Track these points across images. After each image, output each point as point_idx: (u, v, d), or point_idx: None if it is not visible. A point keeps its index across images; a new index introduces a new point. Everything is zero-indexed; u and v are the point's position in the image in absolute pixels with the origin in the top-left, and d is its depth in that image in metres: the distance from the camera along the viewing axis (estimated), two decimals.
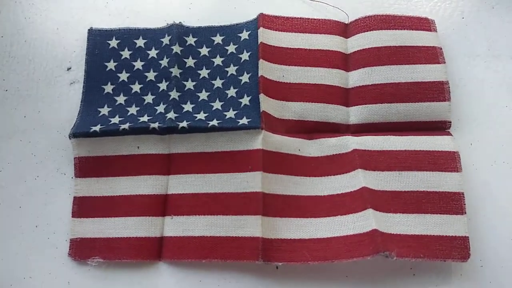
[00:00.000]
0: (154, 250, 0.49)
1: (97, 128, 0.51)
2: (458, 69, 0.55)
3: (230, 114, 0.52)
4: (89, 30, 0.57)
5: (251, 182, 0.48)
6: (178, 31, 0.56)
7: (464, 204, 0.47)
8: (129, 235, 0.49)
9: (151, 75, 0.55)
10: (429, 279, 0.47)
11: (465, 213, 0.47)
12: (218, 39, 0.56)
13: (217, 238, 0.48)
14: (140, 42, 0.57)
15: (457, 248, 0.45)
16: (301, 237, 0.47)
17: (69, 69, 0.57)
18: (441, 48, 0.53)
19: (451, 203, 0.47)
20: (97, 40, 0.57)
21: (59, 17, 0.59)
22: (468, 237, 0.46)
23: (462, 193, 0.47)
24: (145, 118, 0.52)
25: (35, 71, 0.57)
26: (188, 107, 0.53)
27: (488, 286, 0.47)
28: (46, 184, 0.52)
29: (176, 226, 0.49)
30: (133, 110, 0.54)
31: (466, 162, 0.50)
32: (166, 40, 0.56)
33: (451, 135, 0.51)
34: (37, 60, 0.57)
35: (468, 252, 0.45)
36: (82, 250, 0.49)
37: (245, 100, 0.52)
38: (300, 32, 0.55)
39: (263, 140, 0.49)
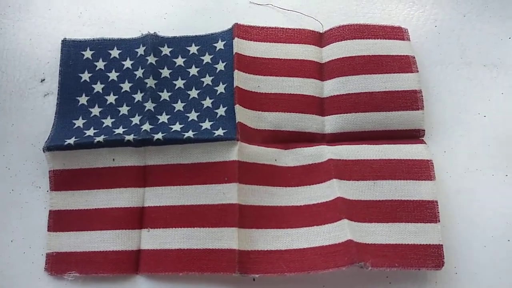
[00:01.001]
0: (131, 264, 0.49)
1: (71, 141, 0.50)
2: (431, 77, 0.55)
3: (206, 125, 0.52)
4: (62, 40, 0.57)
5: (227, 193, 0.48)
6: (153, 41, 0.56)
7: (438, 212, 0.47)
8: (105, 249, 0.49)
9: (126, 86, 0.55)
10: (404, 287, 0.47)
11: (439, 221, 0.47)
12: (193, 49, 0.56)
13: (194, 251, 0.48)
14: (115, 53, 0.56)
15: (431, 257, 0.46)
16: (278, 248, 0.47)
17: (42, 80, 0.56)
18: (414, 57, 0.53)
19: (425, 211, 0.47)
20: (71, 51, 0.56)
21: (32, 27, 0.58)
22: (442, 245, 0.46)
23: (436, 201, 0.48)
24: (120, 130, 0.52)
25: (8, 83, 0.56)
26: (163, 118, 0.53)
27: None
28: (21, 197, 0.52)
29: (153, 239, 0.49)
30: (108, 121, 0.53)
31: (440, 170, 0.51)
32: (141, 50, 0.56)
33: (424, 143, 0.51)
34: (9, 72, 0.56)
35: (442, 260, 0.46)
36: (59, 264, 0.49)
37: (221, 111, 0.52)
38: (275, 42, 0.55)
39: (239, 151, 0.49)
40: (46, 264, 0.49)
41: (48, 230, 0.50)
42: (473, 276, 0.48)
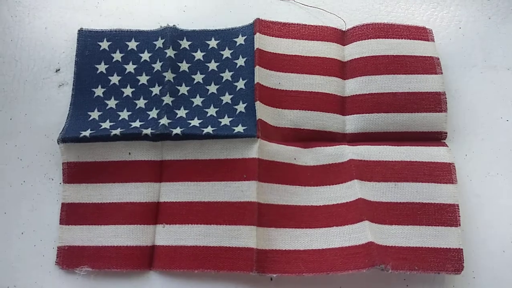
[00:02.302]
0: (145, 259, 0.48)
1: (87, 133, 0.49)
2: (455, 80, 0.55)
3: (225, 121, 0.51)
4: (79, 30, 0.56)
5: (246, 191, 0.47)
6: (172, 34, 0.55)
7: (459, 216, 0.47)
8: (119, 244, 0.48)
9: (143, 79, 0.54)
10: None
11: (460, 225, 0.47)
12: (213, 43, 0.55)
13: (210, 248, 0.47)
14: (132, 45, 0.55)
15: (451, 260, 0.45)
16: (296, 248, 0.47)
17: (57, 70, 0.55)
18: (438, 58, 0.53)
19: (446, 215, 0.47)
20: (88, 41, 0.55)
21: (48, 16, 0.58)
22: (462, 249, 0.46)
23: (457, 205, 0.47)
24: (137, 124, 0.51)
25: (22, 72, 0.55)
26: (181, 112, 0.52)
27: None
28: (33, 189, 0.51)
29: (168, 235, 0.48)
30: (124, 114, 0.53)
31: (461, 173, 0.50)
32: (159, 43, 0.55)
33: (446, 146, 0.51)
34: (24, 61, 0.56)
35: (461, 265, 0.45)
36: (70, 258, 0.48)
37: (241, 107, 0.52)
38: (297, 39, 0.54)
39: (259, 149, 0.48)
40: (57, 257, 0.48)
41: (60, 223, 0.49)
42: (491, 281, 0.48)
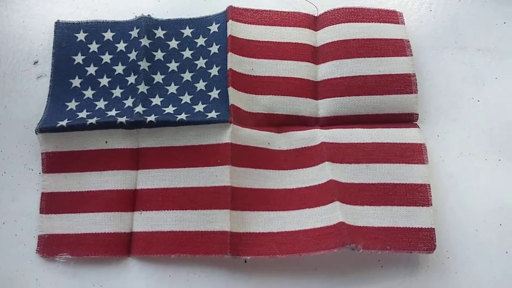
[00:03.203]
0: (123, 246, 0.48)
1: (64, 123, 0.50)
2: (426, 62, 0.55)
3: (199, 107, 0.52)
4: (56, 22, 0.56)
5: (219, 176, 0.48)
6: (146, 24, 0.55)
7: (430, 196, 0.47)
8: (97, 231, 0.49)
9: (119, 69, 0.54)
10: (396, 271, 0.47)
11: (431, 205, 0.47)
12: (187, 31, 0.56)
13: (186, 233, 0.48)
14: (108, 35, 0.56)
15: (423, 240, 0.46)
16: (270, 230, 0.47)
17: (36, 62, 0.56)
18: (408, 41, 0.53)
19: (417, 195, 0.47)
20: (65, 33, 0.56)
21: (25, 9, 0.58)
22: (433, 228, 0.46)
23: (428, 185, 0.48)
24: (113, 112, 0.52)
25: (1, 64, 0.56)
26: (156, 100, 0.53)
27: (454, 277, 0.47)
28: (13, 180, 0.51)
29: (145, 222, 0.49)
30: (101, 104, 0.53)
31: (433, 154, 0.51)
32: (134, 33, 0.55)
33: (418, 127, 0.51)
34: (2, 54, 0.56)
35: (434, 244, 0.46)
36: (51, 246, 0.49)
37: (214, 94, 0.52)
38: (269, 25, 0.55)
39: (232, 134, 0.49)
40: (38, 246, 0.49)
41: (40, 212, 0.50)
42: (465, 260, 0.48)
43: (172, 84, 0.54)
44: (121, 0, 0.59)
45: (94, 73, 0.54)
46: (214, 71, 0.53)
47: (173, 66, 0.55)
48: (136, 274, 0.48)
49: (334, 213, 0.46)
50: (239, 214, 0.48)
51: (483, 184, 0.50)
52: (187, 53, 0.55)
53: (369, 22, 0.53)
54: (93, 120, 0.50)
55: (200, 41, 0.55)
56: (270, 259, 0.46)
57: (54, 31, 0.56)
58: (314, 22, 0.56)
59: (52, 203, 0.50)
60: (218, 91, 0.52)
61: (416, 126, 0.51)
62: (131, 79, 0.54)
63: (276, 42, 0.54)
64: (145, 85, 0.53)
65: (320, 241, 0.45)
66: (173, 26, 0.56)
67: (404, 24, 0.54)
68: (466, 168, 0.51)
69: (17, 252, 0.49)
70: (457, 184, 0.50)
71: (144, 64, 0.54)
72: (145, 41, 0.54)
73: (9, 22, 0.57)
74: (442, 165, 0.51)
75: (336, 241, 0.44)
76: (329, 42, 0.53)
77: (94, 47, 0.55)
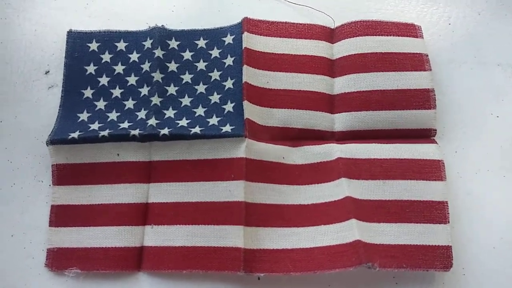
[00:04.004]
0: (133, 261, 0.48)
1: (75, 134, 0.49)
2: (444, 76, 0.54)
3: (213, 120, 0.51)
4: (68, 32, 0.56)
5: (233, 191, 0.47)
6: (160, 34, 0.55)
7: (448, 213, 0.47)
8: (108, 245, 0.48)
9: (132, 80, 0.54)
10: None
11: (449, 222, 0.46)
12: (201, 43, 0.55)
13: (199, 248, 0.47)
14: (121, 45, 0.55)
15: (440, 258, 0.45)
16: (284, 247, 0.46)
17: (47, 72, 0.55)
18: (427, 55, 0.52)
19: (435, 212, 0.47)
20: (77, 42, 0.55)
21: (37, 18, 0.58)
22: (451, 246, 0.45)
23: (446, 202, 0.47)
24: (125, 124, 0.51)
25: (12, 74, 0.55)
26: (170, 113, 0.52)
27: None
28: (23, 191, 0.51)
29: (156, 236, 0.48)
30: (113, 115, 0.52)
31: (451, 170, 0.50)
32: (148, 43, 0.55)
33: (436, 143, 0.50)
34: (14, 63, 0.55)
35: (450, 262, 0.45)
36: (60, 260, 0.48)
37: (229, 107, 0.51)
38: (285, 37, 0.54)
39: (247, 148, 0.48)
40: (46, 259, 0.48)
41: (50, 225, 0.49)
42: (481, 278, 0.47)
43: (186, 96, 0.53)
44: (134, 9, 0.58)
45: (106, 84, 0.54)
46: (228, 83, 0.53)
47: (187, 78, 0.54)
48: None
49: (350, 231, 0.45)
50: (253, 230, 0.47)
51: (501, 201, 0.50)
52: (201, 65, 0.54)
53: (387, 35, 0.52)
54: (105, 133, 0.49)
55: (215, 52, 0.55)
56: (284, 276, 0.46)
57: (66, 40, 0.55)
58: (330, 35, 0.55)
59: (62, 216, 0.49)
60: (233, 104, 0.51)
61: (434, 142, 0.50)
62: (144, 90, 0.53)
63: (292, 54, 0.53)
64: (159, 97, 0.52)
65: (336, 259, 0.44)
66: (187, 37, 0.55)
67: (422, 38, 0.54)
68: (483, 185, 0.50)
69: (25, 265, 0.48)
70: (475, 200, 0.50)
71: (157, 76, 0.53)
72: (158, 52, 0.54)
73: (21, 31, 0.57)
74: (460, 181, 0.50)
75: (352, 259, 0.43)
76: (346, 56, 0.53)
77: (106, 57, 0.55)
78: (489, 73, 0.54)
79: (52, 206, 0.50)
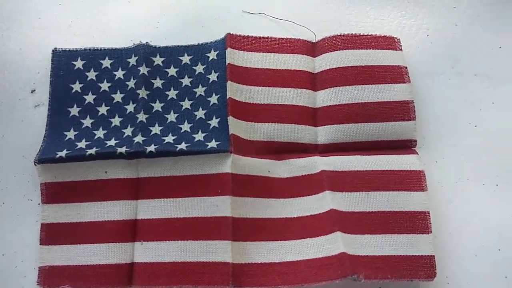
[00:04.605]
0: (124, 277, 0.48)
1: (63, 153, 0.50)
2: (423, 87, 0.55)
3: (199, 136, 0.52)
4: (53, 50, 0.56)
5: (220, 206, 0.48)
6: (145, 51, 0.55)
7: (430, 223, 0.48)
8: (98, 262, 0.48)
9: (118, 97, 0.54)
10: None
11: (431, 232, 0.47)
12: (186, 59, 0.56)
13: (188, 264, 0.47)
14: (106, 63, 0.56)
15: (423, 268, 0.46)
16: (271, 260, 0.47)
17: (33, 91, 0.56)
18: (406, 67, 0.53)
19: (417, 222, 0.48)
20: (62, 60, 0.56)
21: (22, 37, 0.58)
22: (434, 256, 0.46)
23: (428, 212, 0.48)
24: (112, 142, 0.52)
25: None
26: (156, 129, 0.53)
27: None
28: (13, 210, 0.51)
29: (146, 252, 0.49)
30: (100, 133, 0.53)
31: (432, 180, 0.51)
32: (133, 60, 0.55)
33: (416, 153, 0.51)
34: None
35: (434, 271, 0.46)
36: (51, 278, 0.48)
37: (214, 122, 0.52)
38: (268, 52, 0.55)
39: (232, 164, 0.49)
40: (38, 278, 0.48)
41: (40, 244, 0.49)
42: (464, 285, 0.48)
43: (172, 112, 0.54)
44: (119, 27, 0.59)
45: (92, 102, 0.54)
46: (213, 99, 0.53)
47: (172, 94, 0.55)
48: None
49: (335, 244, 0.46)
50: (240, 244, 0.48)
51: (482, 210, 0.51)
52: (186, 81, 0.55)
53: (366, 49, 0.54)
54: (93, 151, 0.50)
55: (199, 68, 0.55)
56: None
57: (52, 59, 0.56)
58: (312, 49, 0.56)
59: (52, 234, 0.50)
60: (218, 119, 0.52)
61: (415, 152, 0.52)
62: (130, 107, 0.54)
63: (274, 69, 0.54)
64: (144, 113, 0.53)
65: (322, 271, 0.45)
66: (172, 53, 0.56)
67: (401, 50, 0.55)
68: (464, 194, 0.51)
69: (17, 284, 0.49)
70: (456, 209, 0.51)
71: (143, 93, 0.53)
72: (143, 69, 0.54)
73: (6, 50, 0.57)
74: (441, 190, 0.52)
75: (338, 271, 0.44)
76: (327, 69, 0.54)
77: (92, 75, 0.55)
78: (467, 83, 0.56)
79: (42, 225, 0.50)
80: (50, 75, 0.55)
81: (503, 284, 0.48)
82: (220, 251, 0.47)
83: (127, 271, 0.48)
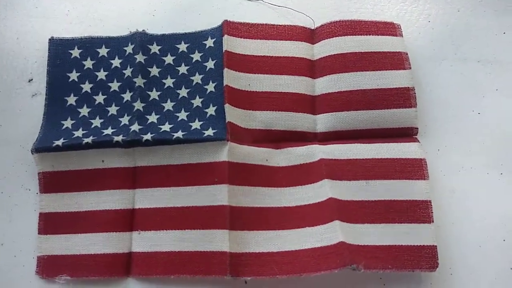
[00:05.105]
0: (122, 266, 0.48)
1: (59, 142, 0.50)
2: (425, 74, 0.54)
3: (196, 124, 0.51)
4: (50, 39, 0.56)
5: (217, 195, 0.48)
6: (141, 39, 0.55)
7: (432, 212, 0.47)
8: (96, 252, 0.48)
9: (114, 86, 0.54)
10: None
11: (433, 221, 0.47)
12: (182, 46, 0.55)
13: (185, 253, 0.47)
14: (103, 51, 0.55)
15: (425, 258, 0.45)
16: (269, 250, 0.47)
17: (30, 80, 0.55)
18: (407, 54, 0.52)
19: (419, 211, 0.47)
20: (59, 49, 0.55)
21: (19, 26, 0.58)
22: (436, 246, 0.46)
23: (429, 201, 0.47)
24: (109, 131, 0.51)
25: None
26: (152, 118, 0.52)
27: None
28: (11, 200, 0.51)
29: (143, 242, 0.48)
30: (97, 122, 0.53)
31: (434, 169, 0.50)
32: (129, 48, 0.55)
33: (418, 141, 0.50)
34: None
35: (436, 262, 0.45)
36: (50, 267, 0.48)
37: (211, 110, 0.52)
38: (265, 39, 0.54)
39: (229, 152, 0.48)
40: (37, 267, 0.49)
41: (39, 233, 0.49)
42: (468, 276, 0.47)
43: (168, 100, 0.53)
44: (115, 15, 0.58)
45: (89, 90, 0.54)
46: (210, 87, 0.53)
47: (169, 82, 0.54)
48: None
49: (334, 233, 0.45)
50: (238, 234, 0.47)
51: (485, 199, 0.50)
52: (182, 69, 0.54)
53: (366, 35, 0.53)
54: (89, 140, 0.50)
55: (196, 56, 0.55)
56: (270, 279, 0.46)
57: (48, 48, 0.55)
58: (311, 35, 0.55)
59: (50, 223, 0.50)
60: (215, 107, 0.51)
61: (416, 140, 0.51)
62: (127, 96, 0.53)
63: (272, 56, 0.53)
64: (141, 102, 0.52)
65: (321, 261, 0.45)
66: (168, 41, 0.55)
67: (402, 36, 0.54)
68: (467, 183, 0.51)
69: (16, 273, 0.49)
70: (459, 199, 0.50)
71: (139, 81, 0.53)
72: (140, 57, 0.54)
73: (3, 39, 0.57)
74: (443, 179, 0.51)
75: (337, 261, 0.44)
76: (326, 56, 0.53)
77: (89, 63, 0.55)
78: (469, 70, 0.54)
79: (41, 214, 0.50)
80: (47, 64, 0.55)
81: (507, 275, 0.47)
82: (217, 240, 0.47)
83: (125, 261, 0.48)
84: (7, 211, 0.51)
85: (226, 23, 0.54)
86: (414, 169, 0.48)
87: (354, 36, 0.52)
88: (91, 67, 0.55)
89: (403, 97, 0.51)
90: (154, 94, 0.53)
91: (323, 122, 0.52)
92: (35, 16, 0.58)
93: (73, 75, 0.54)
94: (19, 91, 0.55)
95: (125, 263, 0.48)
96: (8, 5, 0.58)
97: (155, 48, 0.55)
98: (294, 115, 0.52)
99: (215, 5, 0.58)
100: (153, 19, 0.58)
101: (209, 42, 0.55)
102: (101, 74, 0.54)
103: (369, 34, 0.53)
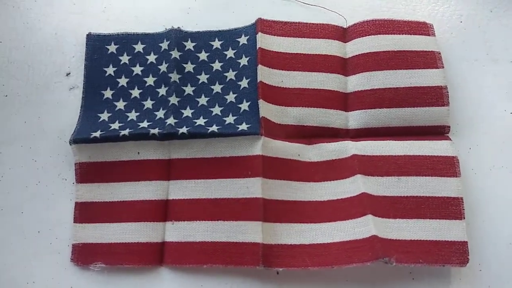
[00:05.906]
0: (155, 255, 0.49)
1: (97, 134, 0.51)
2: (457, 74, 0.55)
3: (230, 119, 0.52)
4: (87, 35, 0.57)
5: (251, 188, 0.48)
6: (176, 36, 0.56)
7: (463, 209, 0.47)
8: (130, 240, 0.49)
9: (150, 80, 0.55)
10: (428, 284, 0.47)
11: (464, 218, 0.47)
12: (216, 43, 0.57)
13: (218, 244, 0.48)
14: (139, 47, 0.57)
15: (456, 253, 0.46)
16: (301, 242, 0.47)
17: (68, 74, 0.57)
18: (439, 53, 0.53)
19: (450, 208, 0.47)
20: (96, 45, 0.57)
21: (57, 22, 0.59)
22: (467, 242, 0.46)
23: (461, 198, 0.48)
24: (145, 124, 0.53)
25: (35, 76, 0.57)
26: (187, 112, 0.53)
27: None
28: (48, 189, 0.53)
29: (177, 232, 0.50)
30: (132, 115, 0.54)
31: (465, 167, 0.50)
32: (164, 45, 0.56)
33: (450, 139, 0.51)
34: (36, 66, 0.57)
35: (467, 257, 0.46)
36: (84, 255, 0.50)
37: (244, 106, 0.53)
38: (298, 37, 0.55)
39: (263, 146, 0.49)
40: (72, 254, 0.50)
41: (74, 222, 0.51)
42: (497, 273, 0.48)
43: (203, 96, 0.54)
44: (151, 12, 0.60)
45: (125, 85, 0.55)
46: (244, 83, 0.54)
47: (203, 78, 0.55)
48: (168, 283, 0.49)
49: (367, 226, 0.46)
50: (270, 226, 0.48)
51: None
52: (216, 65, 0.56)
53: (399, 34, 0.53)
54: (126, 132, 0.51)
55: (230, 53, 0.56)
56: (302, 270, 0.47)
57: (86, 43, 0.57)
58: (343, 34, 0.56)
59: (86, 212, 0.51)
60: (249, 103, 0.52)
61: (448, 138, 0.51)
62: (162, 91, 0.55)
63: (305, 54, 0.54)
64: (176, 97, 0.54)
65: (353, 254, 0.45)
66: (203, 38, 0.57)
67: (435, 35, 0.54)
68: (498, 181, 0.51)
69: (52, 260, 0.50)
70: (490, 197, 0.50)
71: (174, 76, 0.54)
72: (175, 53, 0.55)
73: (42, 34, 0.59)
74: (475, 178, 0.51)
75: (369, 254, 0.44)
76: (359, 54, 0.53)
77: (125, 59, 0.56)
78: (501, 70, 0.55)
79: (76, 203, 0.51)
80: (85, 59, 0.56)
81: None
82: (250, 232, 0.47)
83: (158, 250, 0.49)
84: (44, 200, 0.52)
85: (260, 21, 0.55)
86: (446, 167, 0.49)
87: (386, 35, 0.53)
88: (127, 62, 0.56)
89: (436, 96, 0.51)
90: (188, 89, 0.55)
91: (355, 119, 0.52)
92: (73, 12, 0.60)
93: (110, 70, 0.56)
94: (57, 84, 0.57)
95: (159, 252, 0.49)
96: (47, 2, 0.60)
97: (189, 45, 0.56)
98: (327, 112, 0.52)
99: (248, 3, 0.59)
100: (188, 17, 0.59)
101: (243, 40, 0.56)
102: (137, 69, 0.56)
103: (402, 33, 0.53)
